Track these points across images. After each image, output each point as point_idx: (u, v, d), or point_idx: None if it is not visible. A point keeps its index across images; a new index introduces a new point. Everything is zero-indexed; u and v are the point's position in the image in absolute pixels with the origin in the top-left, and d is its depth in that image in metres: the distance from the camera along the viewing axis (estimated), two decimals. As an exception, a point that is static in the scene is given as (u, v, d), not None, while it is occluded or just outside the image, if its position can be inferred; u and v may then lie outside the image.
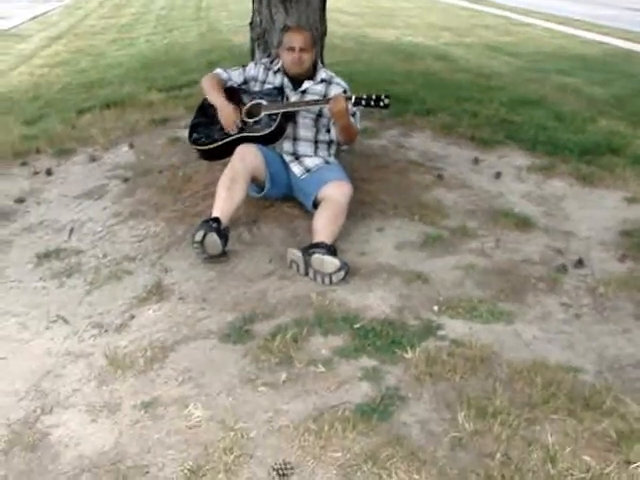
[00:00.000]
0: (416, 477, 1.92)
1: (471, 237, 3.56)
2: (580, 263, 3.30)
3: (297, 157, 3.62)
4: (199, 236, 3.05)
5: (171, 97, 6.42)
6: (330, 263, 2.97)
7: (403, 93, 6.22)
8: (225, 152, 3.56)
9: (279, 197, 3.68)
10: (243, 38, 10.23)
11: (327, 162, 3.62)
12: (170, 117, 5.82)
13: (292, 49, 3.52)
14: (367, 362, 2.49)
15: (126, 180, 4.46)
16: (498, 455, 2.00)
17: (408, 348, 2.52)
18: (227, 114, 3.49)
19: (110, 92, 6.77)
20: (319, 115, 3.61)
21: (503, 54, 10.49)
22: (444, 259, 3.31)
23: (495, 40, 12.21)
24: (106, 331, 2.81)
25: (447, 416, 2.21)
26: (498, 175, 4.52)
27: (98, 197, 4.26)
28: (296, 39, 3.52)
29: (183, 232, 3.61)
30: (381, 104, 3.33)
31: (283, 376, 2.40)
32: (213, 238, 3.06)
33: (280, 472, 1.93)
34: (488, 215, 3.85)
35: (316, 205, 3.45)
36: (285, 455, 2.03)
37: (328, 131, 3.66)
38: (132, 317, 2.89)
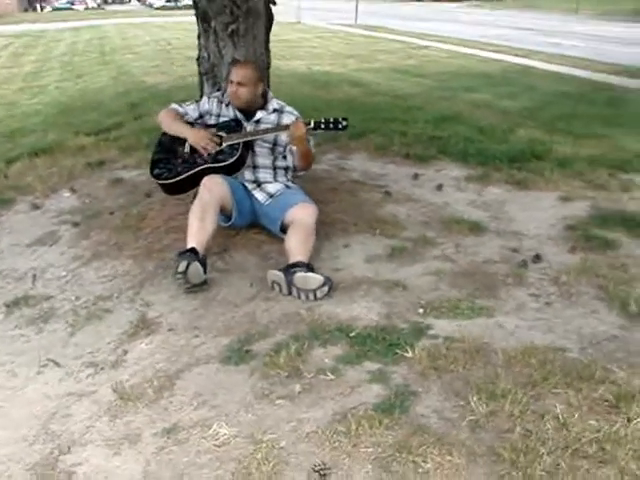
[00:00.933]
0: (449, 458, 2.05)
1: (432, 245, 3.76)
2: (538, 258, 3.55)
3: (259, 184, 3.73)
4: (182, 266, 3.10)
5: (101, 140, 6.41)
6: (313, 279, 3.09)
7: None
8: (189, 184, 3.64)
9: (245, 225, 3.77)
10: (157, 79, 10.32)
11: (287, 186, 3.75)
12: (105, 159, 5.82)
13: (231, 82, 3.66)
14: (371, 366, 2.61)
15: (76, 224, 4.42)
16: (518, 429, 2.16)
17: (407, 348, 2.66)
18: (201, 137, 3.58)
19: (35, 140, 6.66)
20: (275, 144, 3.75)
21: (410, 76, 10.98)
22: (414, 267, 3.49)
23: (400, 64, 12.76)
24: (102, 369, 2.80)
25: (459, 403, 2.35)
26: (440, 187, 4.77)
27: (52, 243, 4.21)
28: (236, 73, 3.66)
29: (154, 267, 3.64)
30: (339, 126, 3.50)
31: (297, 387, 2.48)
32: (196, 267, 3.12)
33: (321, 472, 2.01)
34: (442, 224, 4.07)
35: (283, 229, 3.57)
36: (319, 457, 2.12)
37: (284, 157, 3.79)
38: (125, 352, 2.90)
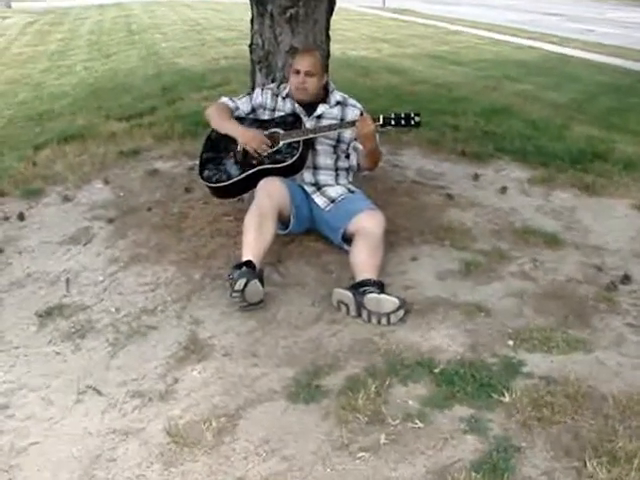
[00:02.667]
0: None
1: (507, 260, 3.40)
2: (627, 279, 3.19)
3: (319, 187, 3.37)
4: (240, 285, 2.75)
5: (134, 126, 6.04)
6: (388, 302, 2.73)
7: (380, 109, 6.03)
8: (243, 188, 3.29)
9: (301, 232, 3.41)
10: (189, 61, 9.93)
11: (350, 191, 3.39)
12: (140, 148, 5.45)
13: (297, 72, 3.28)
14: (463, 411, 2.27)
15: (111, 221, 4.08)
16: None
17: (503, 391, 2.30)
18: (252, 138, 3.22)
19: (64, 124, 6.31)
20: (338, 141, 3.38)
21: (448, 63, 10.55)
22: (492, 286, 3.13)
23: (434, 49, 12.30)
24: (150, 400, 2.47)
25: (573, 464, 2.01)
26: (504, 190, 4.40)
27: (86, 242, 3.87)
28: (302, 61, 3.29)
29: (201, 276, 3.30)
30: (412, 122, 3.13)
31: (381, 437, 2.13)
32: (255, 286, 2.78)
33: None
34: (514, 234, 3.71)
35: (346, 238, 3.21)
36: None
37: (347, 157, 3.43)
38: (175, 381, 2.56)
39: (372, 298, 2.74)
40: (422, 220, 3.78)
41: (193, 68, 8.89)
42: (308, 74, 3.26)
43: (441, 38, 14.54)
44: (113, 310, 3.11)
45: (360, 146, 3.31)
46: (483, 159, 4.99)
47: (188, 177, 4.77)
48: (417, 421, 2.20)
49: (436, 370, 2.45)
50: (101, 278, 3.43)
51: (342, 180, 3.43)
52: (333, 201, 3.30)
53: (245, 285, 2.74)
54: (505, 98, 7.45)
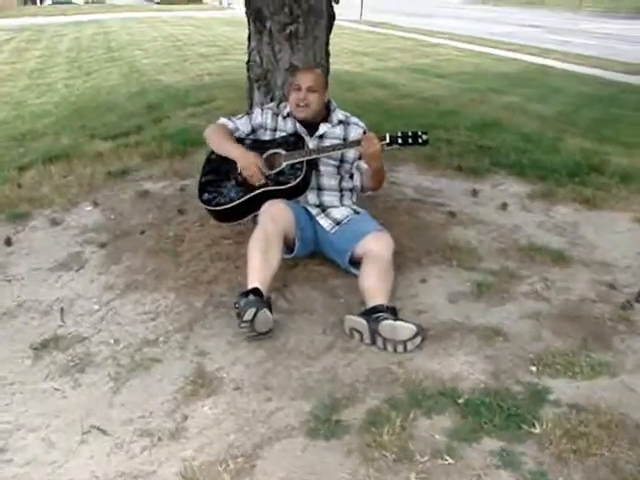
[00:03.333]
0: None
1: (517, 279, 3.32)
2: (641, 297, 3.09)
3: (323, 209, 3.26)
4: (249, 315, 2.63)
5: (120, 146, 5.90)
6: (404, 329, 2.63)
7: (371, 125, 5.96)
8: (245, 211, 3.17)
9: (306, 255, 3.29)
10: (172, 77, 9.80)
11: (356, 212, 3.29)
12: (128, 168, 5.32)
13: (298, 89, 3.17)
14: (492, 444, 2.16)
15: (103, 245, 3.94)
16: None
17: (534, 422, 2.20)
18: (250, 164, 3.10)
19: (48, 144, 6.15)
20: (342, 161, 3.28)
21: (431, 76, 10.53)
22: (505, 308, 3.04)
23: (416, 62, 12.30)
24: (160, 439, 2.33)
25: (614, 501, 1.90)
26: (504, 206, 4.33)
27: (78, 267, 3.72)
28: (304, 78, 3.19)
29: (203, 304, 3.17)
30: (419, 141, 3.03)
31: (411, 477, 2.02)
32: (266, 316, 2.66)
33: None
34: (520, 252, 3.63)
35: (352, 261, 3.10)
36: None
37: (351, 177, 3.33)
38: (185, 418, 2.43)
39: (387, 325, 2.63)
40: (426, 239, 3.69)
41: (177, 85, 8.76)
42: (310, 90, 3.16)
43: (421, 51, 14.56)
44: (112, 341, 2.97)
45: (365, 165, 3.21)
46: (480, 174, 4.93)
47: (180, 198, 4.64)
48: (447, 457, 2.09)
49: (460, 400, 2.35)
50: (97, 307, 3.28)
51: (347, 201, 3.33)
52: (338, 223, 3.19)
53: (255, 315, 2.62)
54: (493, 111, 7.41)
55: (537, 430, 2.18)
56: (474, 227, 3.95)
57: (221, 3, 35.30)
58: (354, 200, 3.39)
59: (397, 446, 2.13)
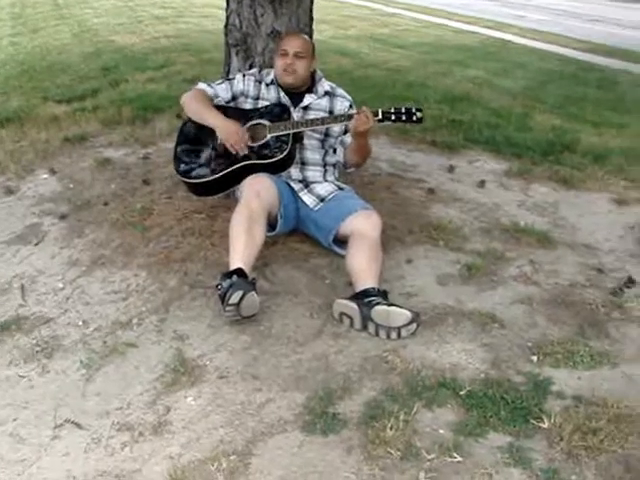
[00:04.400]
0: None
1: (505, 262, 3.23)
2: (631, 282, 3.05)
3: (307, 185, 3.09)
4: (236, 298, 2.45)
5: (77, 110, 5.57)
6: (399, 315, 2.49)
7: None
8: (225, 185, 2.96)
9: (286, 232, 3.12)
10: (127, 39, 9.36)
11: (340, 188, 3.11)
12: (86, 134, 5.03)
13: (285, 54, 2.97)
14: (500, 439, 2.06)
15: (64, 217, 3.68)
16: None
17: (542, 416, 2.10)
18: (232, 133, 2.89)
19: (-3, 106, 5.76)
20: (326, 135, 3.10)
21: (392, 46, 10.37)
22: (497, 292, 2.95)
23: (375, 32, 12.10)
24: (141, 434, 2.15)
25: (631, 502, 1.81)
26: (482, 184, 4.23)
27: (38, 241, 3.47)
28: (291, 43, 2.99)
29: (177, 283, 2.98)
30: (413, 118, 2.87)
31: (421, 476, 1.89)
32: (253, 298, 2.48)
33: None
34: (505, 233, 3.55)
35: (336, 240, 2.94)
36: None
37: (334, 151, 3.15)
38: (168, 410, 2.25)
39: (381, 310, 2.49)
40: (408, 217, 3.55)
41: (133, 47, 8.36)
42: (297, 55, 2.96)
43: (379, 20, 14.32)
44: (81, 323, 2.76)
45: (349, 140, 3.04)
46: (455, 149, 4.82)
47: (144, 167, 4.40)
48: (455, 454, 1.98)
49: (462, 392, 2.24)
50: (61, 285, 3.05)
51: (330, 176, 3.16)
52: (322, 200, 3.02)
53: (241, 298, 2.44)
54: (460, 85, 7.31)
55: (545, 425, 2.09)
56: (454, 205, 3.84)
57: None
58: (336, 176, 3.22)
59: (402, 442, 2.01)
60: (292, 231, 3.19)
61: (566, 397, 2.25)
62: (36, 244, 3.42)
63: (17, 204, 3.90)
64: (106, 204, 3.79)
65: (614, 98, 7.63)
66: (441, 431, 2.08)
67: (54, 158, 4.56)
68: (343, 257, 2.94)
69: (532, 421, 2.10)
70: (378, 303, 2.52)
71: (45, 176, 4.28)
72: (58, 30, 10.09)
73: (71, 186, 4.12)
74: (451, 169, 4.43)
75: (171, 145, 4.76)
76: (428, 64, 8.69)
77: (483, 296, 2.88)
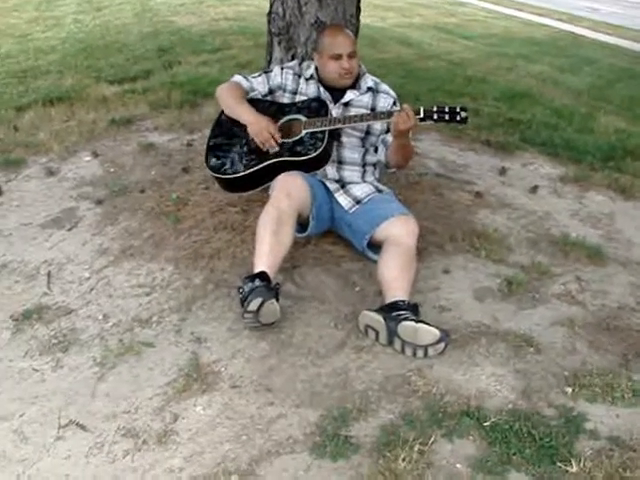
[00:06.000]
0: None
1: (549, 277, 3.03)
2: (687, 309, 2.79)
3: (343, 185, 2.94)
4: (255, 305, 2.34)
5: (127, 91, 5.55)
6: (426, 333, 2.33)
7: (392, 87, 5.59)
8: (257, 181, 2.84)
9: (319, 234, 2.99)
10: (187, 20, 9.34)
11: (378, 190, 2.96)
12: (133, 117, 4.99)
13: (339, 57, 2.82)
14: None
15: (100, 202, 3.64)
16: None
17: (570, 458, 1.93)
18: (262, 129, 2.76)
19: (50, 84, 5.79)
20: (367, 132, 2.95)
21: (457, 37, 10.07)
22: (537, 311, 2.75)
23: (442, 21, 11.78)
24: (145, 442, 2.06)
25: None
26: (534, 189, 4.01)
27: (71, 226, 3.43)
28: (343, 43, 2.83)
29: (202, 281, 2.88)
30: (457, 118, 2.69)
31: (431, 517, 1.74)
32: (273, 307, 2.37)
33: None
34: (552, 245, 3.34)
35: (370, 245, 2.79)
36: None
37: (375, 150, 2.99)
38: (175, 418, 2.16)
39: (408, 327, 2.34)
40: (451, 222, 3.38)
41: (191, 28, 8.32)
42: (351, 56, 2.81)
43: (446, 9, 13.97)
44: (101, 317, 2.69)
45: (390, 139, 2.88)
46: (509, 150, 4.60)
47: (186, 154, 4.33)
48: (470, 494, 1.80)
49: (486, 423, 2.07)
50: (87, 274, 3.00)
51: (369, 177, 3.01)
52: (359, 202, 2.88)
53: (260, 306, 2.32)
54: (523, 80, 7.01)
55: (574, 469, 1.91)
56: (502, 211, 3.64)
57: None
58: (377, 176, 3.07)
59: (413, 476, 1.85)
60: (326, 232, 3.05)
61: (600, 437, 2.06)
62: (69, 229, 3.38)
63: (57, 186, 3.88)
64: (142, 191, 3.73)
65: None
66: (458, 465, 1.93)
67: (98, 140, 4.54)
68: (376, 263, 2.80)
69: (559, 463, 1.93)
70: (406, 318, 2.37)
71: (88, 159, 4.26)
72: (121, 9, 10.14)
73: (112, 170, 4.09)
74: (503, 171, 4.21)
75: (216, 132, 4.71)
76: (492, 57, 8.39)
77: (521, 315, 2.70)
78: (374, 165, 3.03)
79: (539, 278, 2.99)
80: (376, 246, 2.82)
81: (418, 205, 3.47)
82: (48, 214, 3.53)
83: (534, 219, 3.61)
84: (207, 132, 4.76)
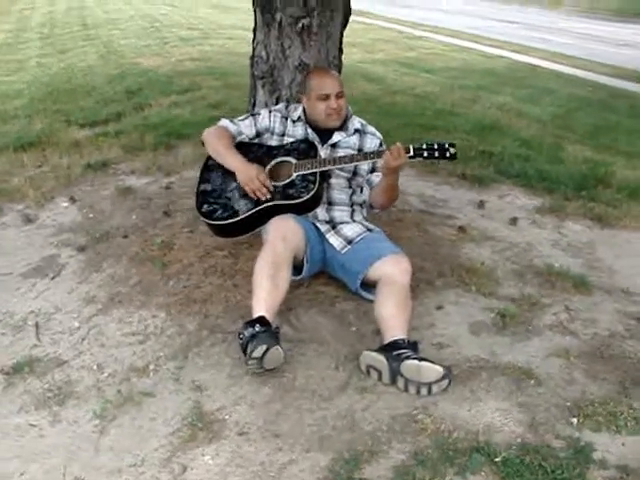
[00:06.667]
0: None
1: (539, 308, 3.08)
2: (675, 334, 2.86)
3: (334, 226, 2.97)
4: (259, 351, 2.33)
5: (99, 135, 5.52)
6: (430, 370, 2.35)
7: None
8: (249, 226, 2.85)
9: (311, 275, 3.00)
10: (152, 61, 9.36)
11: (368, 229, 2.99)
12: (108, 161, 4.96)
13: (327, 97, 2.86)
14: (539, 517, 1.88)
15: (82, 249, 3.59)
16: None
17: (584, 491, 1.94)
18: (252, 178, 2.78)
19: (20, 129, 5.73)
20: (354, 173, 2.98)
21: (419, 71, 10.27)
22: (532, 343, 2.79)
23: (402, 55, 12.01)
24: (155, 496, 2.01)
25: None
26: (514, 221, 4.09)
27: (54, 275, 3.37)
28: (330, 84, 2.88)
29: (197, 327, 2.86)
30: (447, 155, 2.74)
31: None
32: (277, 352, 2.36)
33: None
34: (538, 276, 3.40)
35: (364, 285, 2.81)
36: None
37: (361, 190, 3.03)
38: (184, 469, 2.12)
39: (411, 365, 2.35)
40: (438, 258, 3.42)
41: (158, 70, 8.34)
42: (339, 96, 2.85)
43: (406, 43, 14.25)
44: (95, 367, 2.65)
45: (376, 179, 2.93)
46: (485, 183, 4.69)
47: (166, 198, 4.31)
48: (490, 534, 1.80)
49: (497, 459, 2.08)
50: (77, 324, 2.95)
51: (358, 216, 3.04)
52: (350, 242, 2.90)
53: (265, 352, 2.31)
54: (489, 112, 7.17)
55: (588, 501, 1.91)
56: (486, 244, 3.69)
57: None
58: (364, 215, 3.09)
59: (433, 518, 1.84)
60: (317, 273, 3.05)
61: (609, 467, 2.09)
62: (53, 278, 3.33)
63: (35, 234, 3.83)
64: (125, 236, 3.70)
65: (647, 127, 7.44)
66: (475, 505, 1.92)
67: (75, 185, 4.50)
68: (370, 302, 2.82)
69: (574, 496, 1.93)
70: (408, 357, 2.38)
71: (65, 204, 4.21)
72: (85, 51, 10.12)
73: (91, 216, 4.05)
74: (481, 205, 4.29)
75: (194, 174, 4.70)
76: (455, 90, 8.57)
77: (518, 347, 2.73)
78: (361, 204, 3.07)
79: (530, 310, 3.03)
80: (369, 285, 2.84)
81: (404, 242, 3.50)
82: (29, 263, 3.47)
83: (517, 251, 3.67)
84: (185, 174, 4.81)
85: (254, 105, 3.34)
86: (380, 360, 2.41)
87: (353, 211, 3.02)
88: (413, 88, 8.39)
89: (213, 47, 10.88)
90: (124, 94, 6.87)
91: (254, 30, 3.36)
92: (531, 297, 3.13)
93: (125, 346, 2.76)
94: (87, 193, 4.39)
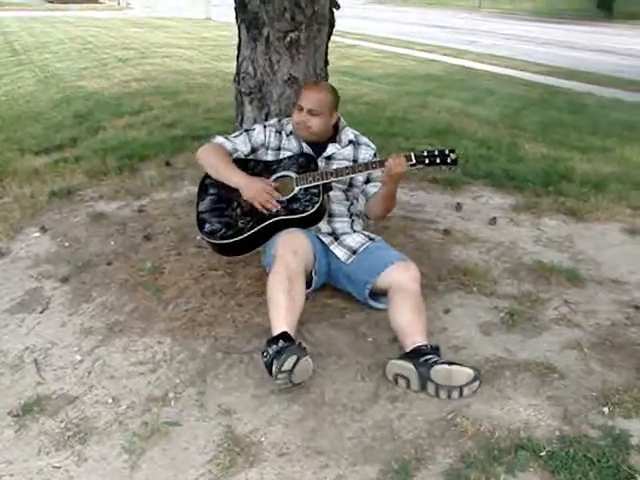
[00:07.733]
0: None
1: (541, 303, 3.15)
2: (672, 318, 2.97)
3: (336, 237, 2.96)
4: (289, 363, 2.29)
5: (58, 161, 5.36)
6: (461, 374, 2.36)
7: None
8: (254, 243, 2.81)
9: (317, 288, 2.98)
10: (95, 84, 9.15)
11: (370, 238, 2.99)
12: (73, 187, 4.83)
13: (300, 109, 2.87)
14: (598, 508, 1.92)
15: (65, 279, 3.48)
16: None
17: (637, 476, 1.99)
18: (259, 191, 2.75)
19: (-29, 160, 5.50)
20: (350, 185, 3.00)
21: (360, 79, 10.39)
22: (543, 338, 2.85)
23: (339, 65, 12.03)
24: (206, 529, 1.95)
25: None
26: (493, 221, 4.17)
27: (43, 308, 3.26)
28: (307, 98, 2.89)
29: (209, 350, 2.80)
30: (448, 160, 2.78)
31: None
32: (307, 363, 2.33)
33: None
34: (531, 273, 3.48)
35: (372, 294, 2.82)
36: None
37: (357, 200, 3.05)
38: (230, 497, 2.06)
39: (441, 370, 2.36)
40: (432, 262, 3.46)
41: (104, 92, 8.16)
42: (311, 113, 2.85)
43: (340, 52, 14.34)
44: (110, 401, 2.55)
45: (373, 190, 2.95)
46: (456, 186, 4.77)
47: (142, 221, 4.22)
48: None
49: (542, 454, 2.11)
50: (79, 357, 2.85)
51: (357, 226, 3.05)
52: (354, 252, 2.90)
53: (296, 363, 2.28)
54: (440, 116, 7.31)
55: (641, 486, 1.96)
56: (472, 245, 3.76)
57: (119, 3, 34.03)
58: (362, 225, 3.10)
59: (499, 520, 1.85)
60: (321, 285, 3.04)
61: (650, 452, 2.13)
62: (41, 312, 3.21)
63: (11, 267, 3.68)
64: (109, 263, 3.60)
65: (590, 122, 7.72)
66: (534, 502, 1.94)
67: (43, 214, 4.36)
68: (379, 311, 2.82)
69: (629, 483, 1.97)
70: (436, 362, 2.39)
71: (36, 234, 4.07)
72: (21, 77, 9.81)
73: (67, 244, 3.92)
74: (459, 207, 4.36)
75: (165, 195, 4.64)
76: (402, 96, 8.70)
77: (530, 343, 2.78)
78: (358, 215, 3.08)
79: (532, 306, 3.09)
80: (377, 294, 2.84)
81: (396, 249, 3.50)
82: (12, 298, 3.33)
83: (503, 250, 3.74)
84: (155, 196, 4.72)
85: (242, 122, 3.31)
86: (408, 368, 2.41)
87: (353, 222, 3.03)
88: (361, 97, 8.47)
89: (154, 66, 10.72)
90: (73, 118, 6.69)
91: (238, 47, 3.33)
92: (530, 294, 3.20)
93: (136, 376, 2.67)
94: (57, 221, 4.25)
